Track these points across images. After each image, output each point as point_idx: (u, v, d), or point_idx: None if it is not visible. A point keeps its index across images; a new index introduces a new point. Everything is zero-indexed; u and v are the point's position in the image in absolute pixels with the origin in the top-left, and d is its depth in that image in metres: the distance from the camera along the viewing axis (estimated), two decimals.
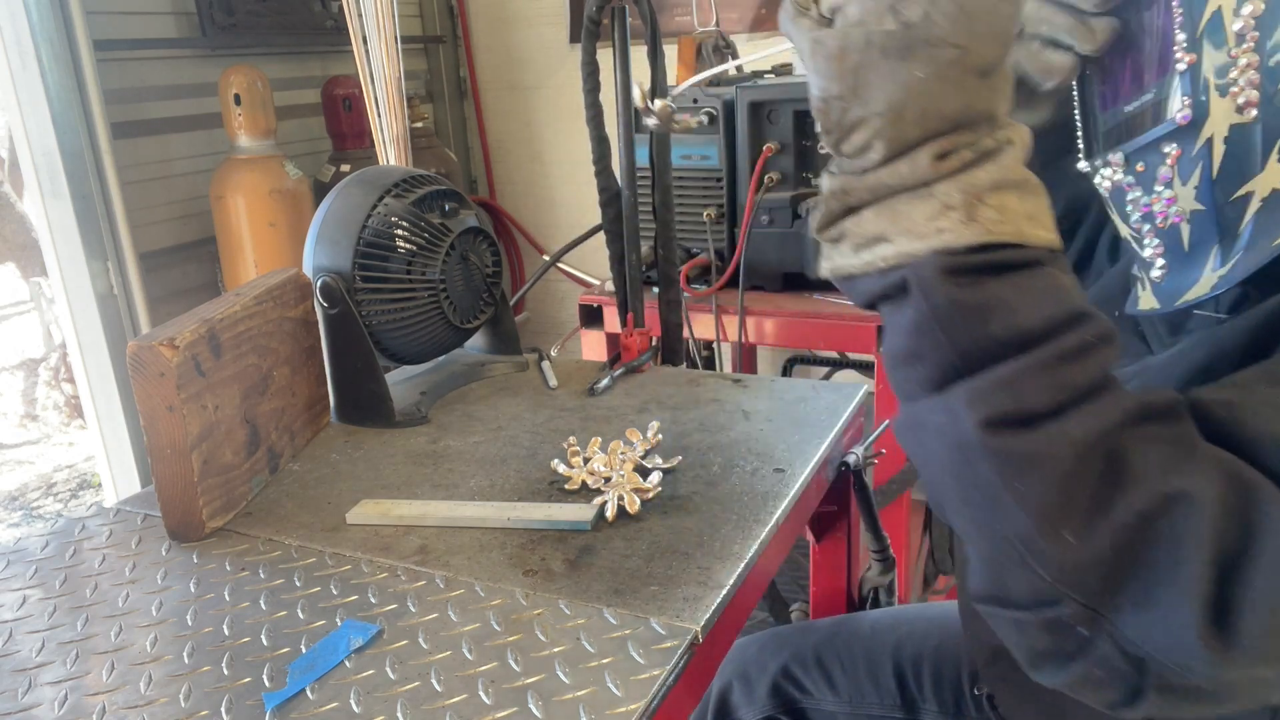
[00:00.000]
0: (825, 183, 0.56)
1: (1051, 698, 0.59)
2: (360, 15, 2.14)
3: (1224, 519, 0.47)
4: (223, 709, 0.68)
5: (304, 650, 0.74)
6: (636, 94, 0.76)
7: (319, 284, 1.13)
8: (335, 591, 0.82)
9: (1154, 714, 0.52)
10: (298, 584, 0.84)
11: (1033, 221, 0.51)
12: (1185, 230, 0.59)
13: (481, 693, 0.68)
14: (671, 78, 2.11)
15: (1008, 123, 0.52)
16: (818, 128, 0.55)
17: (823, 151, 1.77)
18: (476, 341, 1.37)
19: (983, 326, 0.50)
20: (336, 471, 1.06)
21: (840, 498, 1.21)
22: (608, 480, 0.96)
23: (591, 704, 0.66)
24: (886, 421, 1.26)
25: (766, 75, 2.07)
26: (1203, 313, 0.63)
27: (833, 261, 0.56)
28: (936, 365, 0.52)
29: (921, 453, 0.56)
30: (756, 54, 0.66)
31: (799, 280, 1.84)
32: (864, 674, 1.07)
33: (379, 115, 2.24)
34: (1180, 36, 0.56)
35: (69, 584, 0.87)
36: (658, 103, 0.75)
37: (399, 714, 0.66)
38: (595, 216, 1.42)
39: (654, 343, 1.36)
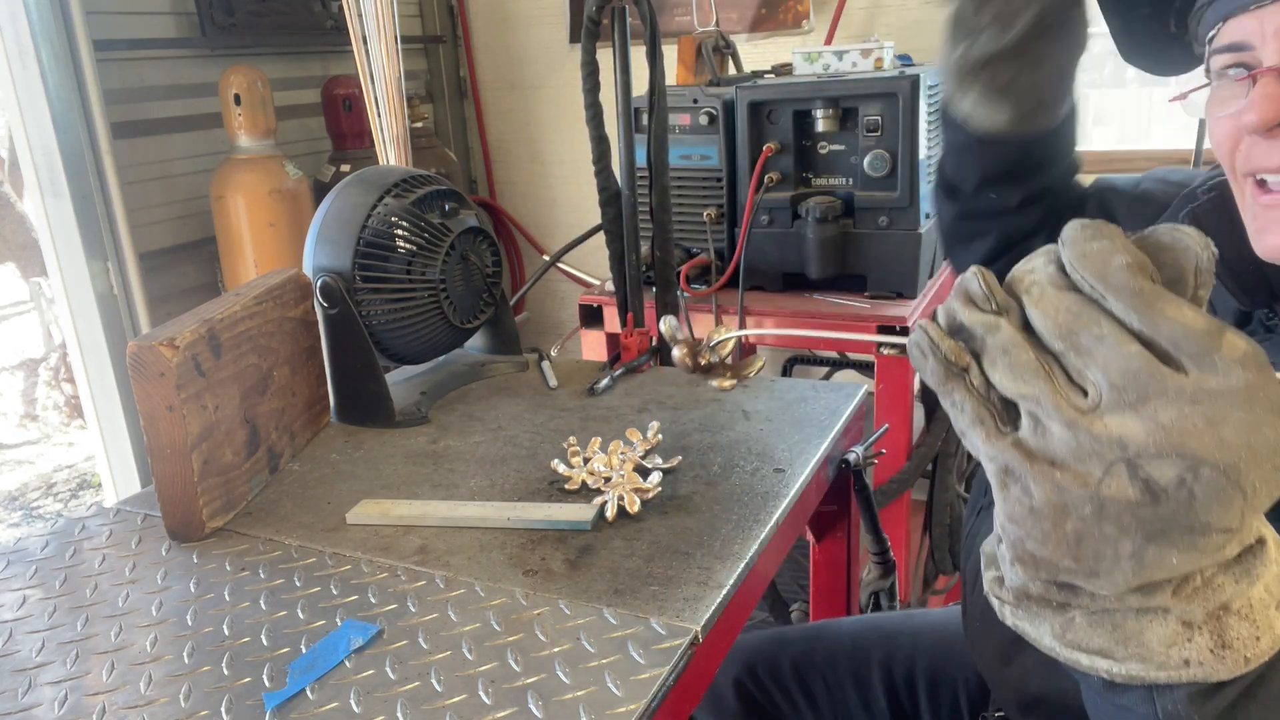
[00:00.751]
0: (1009, 573, 0.42)
1: None
2: (360, 15, 2.14)
3: None
4: (223, 709, 0.68)
5: (304, 650, 0.74)
6: (676, 349, 0.64)
7: (319, 284, 1.13)
8: (335, 591, 0.82)
9: None
10: (298, 584, 0.84)
11: None
12: None
13: (481, 693, 0.68)
14: (671, 78, 2.11)
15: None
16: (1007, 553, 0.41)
17: (823, 152, 1.77)
18: (476, 341, 1.37)
19: None
20: (336, 471, 1.06)
21: (840, 498, 1.21)
22: (608, 480, 0.96)
23: (591, 704, 0.66)
24: (886, 426, 1.26)
25: (766, 75, 2.07)
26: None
27: (1019, 625, 0.43)
28: None
29: None
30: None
31: (799, 280, 1.84)
32: (852, 693, 1.03)
33: (379, 115, 2.24)
34: None
35: (69, 584, 0.87)
36: (717, 376, 0.65)
37: (399, 714, 0.66)
38: (595, 216, 1.42)
39: (654, 343, 1.36)
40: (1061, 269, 0.39)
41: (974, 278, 0.40)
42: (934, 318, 0.42)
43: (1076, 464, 0.37)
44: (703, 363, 0.63)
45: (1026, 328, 0.39)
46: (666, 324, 0.65)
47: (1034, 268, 0.40)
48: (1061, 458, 0.37)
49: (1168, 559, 0.37)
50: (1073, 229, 0.39)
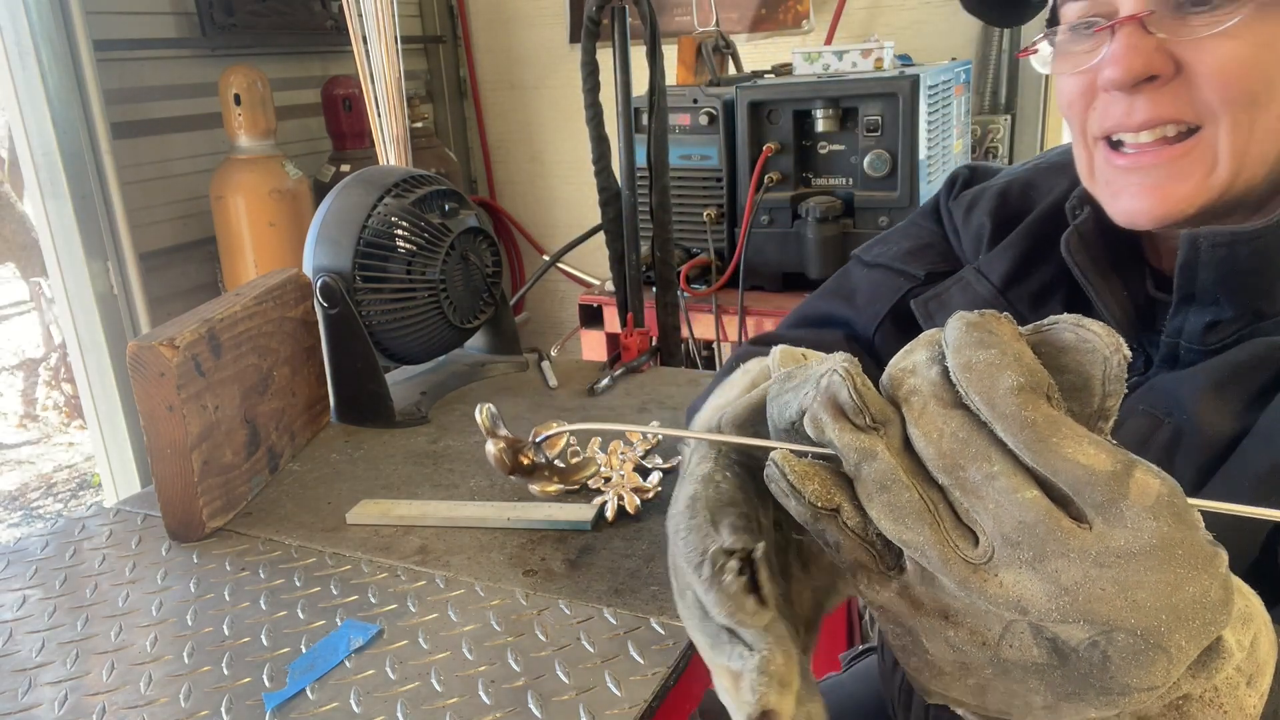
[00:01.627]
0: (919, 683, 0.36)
1: None
2: (360, 15, 2.14)
3: None
4: (223, 709, 0.68)
5: (304, 650, 0.74)
6: (491, 444, 0.54)
7: (319, 284, 1.13)
8: (335, 591, 0.82)
9: None
10: (298, 584, 0.84)
11: (1253, 682, 0.34)
12: None
13: (481, 693, 0.68)
14: (671, 78, 2.11)
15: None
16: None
17: (823, 152, 1.77)
18: (476, 341, 1.37)
19: None
20: (336, 471, 1.06)
21: None
22: (608, 480, 0.96)
23: (591, 704, 0.66)
24: None
25: (766, 75, 2.07)
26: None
27: (945, 700, 0.37)
28: None
29: None
30: None
31: (799, 280, 1.84)
32: None
33: (379, 115, 2.24)
34: None
35: (69, 584, 0.87)
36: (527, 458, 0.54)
37: (399, 714, 0.66)
38: (595, 216, 1.42)
39: (653, 343, 1.36)
40: (947, 374, 0.33)
41: (843, 385, 0.33)
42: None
43: (971, 619, 0.32)
44: (525, 462, 0.52)
45: (908, 445, 0.33)
46: (485, 413, 0.54)
47: (915, 367, 0.34)
48: (954, 610, 0.33)
49: (1085, 713, 0.32)
50: (957, 327, 0.32)
